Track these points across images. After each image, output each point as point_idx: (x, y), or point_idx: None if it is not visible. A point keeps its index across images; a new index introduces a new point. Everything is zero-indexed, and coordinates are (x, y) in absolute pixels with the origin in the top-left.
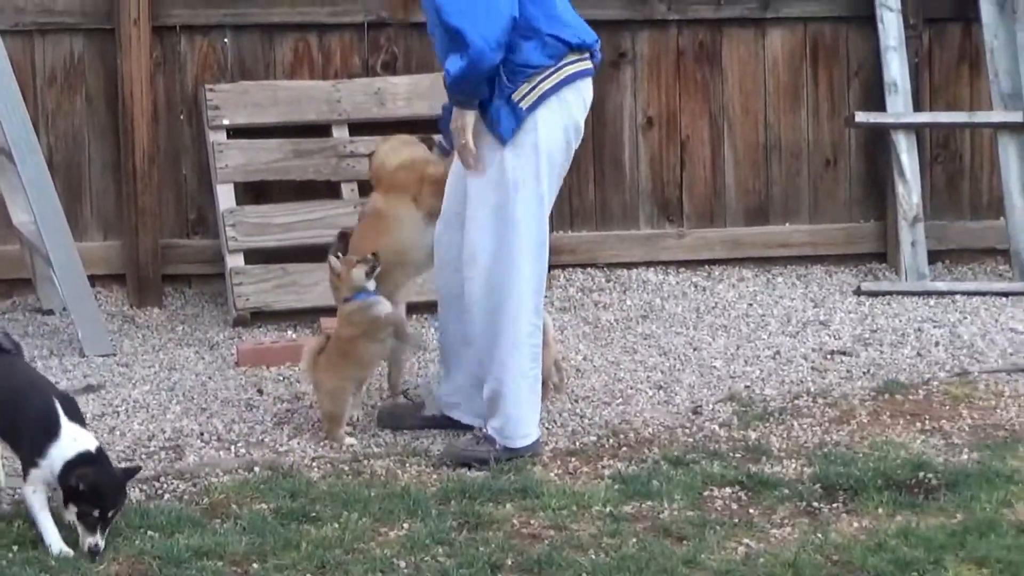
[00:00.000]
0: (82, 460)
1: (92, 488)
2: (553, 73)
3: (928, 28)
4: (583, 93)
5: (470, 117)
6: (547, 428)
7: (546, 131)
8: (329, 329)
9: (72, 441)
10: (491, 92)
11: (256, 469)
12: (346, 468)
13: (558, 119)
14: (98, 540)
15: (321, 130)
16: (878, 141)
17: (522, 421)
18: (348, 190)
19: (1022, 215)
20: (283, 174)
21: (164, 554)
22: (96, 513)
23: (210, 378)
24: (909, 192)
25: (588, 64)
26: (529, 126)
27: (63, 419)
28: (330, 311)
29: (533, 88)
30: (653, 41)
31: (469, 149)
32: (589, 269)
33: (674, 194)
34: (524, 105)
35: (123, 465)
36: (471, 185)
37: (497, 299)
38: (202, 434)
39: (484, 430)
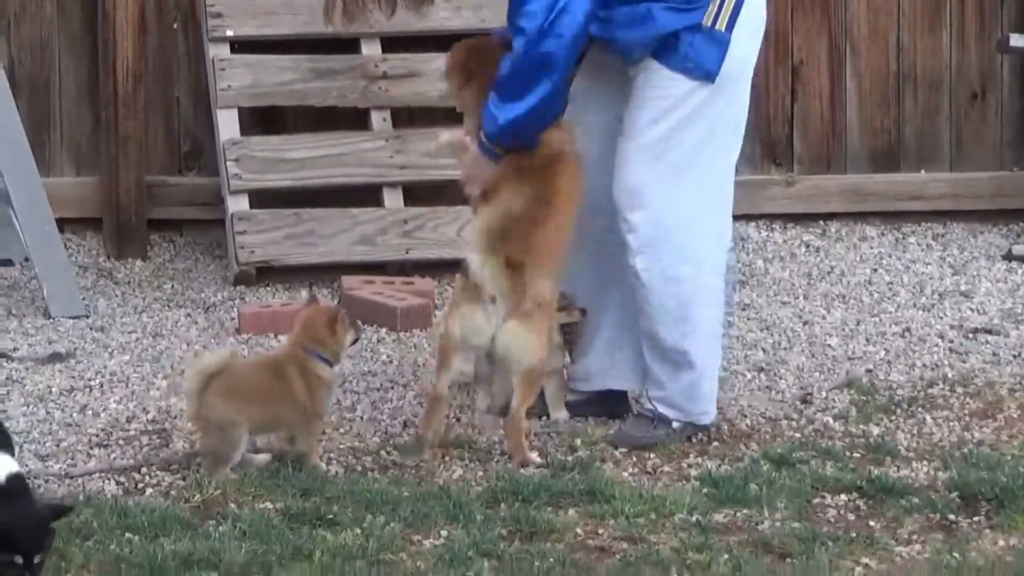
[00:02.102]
0: None
1: (8, 530)
2: None
3: None
4: None
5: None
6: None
7: (745, 52)
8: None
9: None
10: (654, 22)
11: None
12: (371, 462)
13: (755, 30)
14: None
15: (347, 45)
16: None
17: (711, 395)
18: (379, 119)
19: None
20: (299, 98)
21: (145, 562)
22: (20, 561)
23: (205, 347)
24: None
25: None
26: (732, 52)
27: None
28: (352, 267)
29: (722, 3)
30: None
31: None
32: None
33: (783, 132)
34: (721, 27)
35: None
36: (640, 133)
37: (691, 265)
38: None
39: (653, 407)
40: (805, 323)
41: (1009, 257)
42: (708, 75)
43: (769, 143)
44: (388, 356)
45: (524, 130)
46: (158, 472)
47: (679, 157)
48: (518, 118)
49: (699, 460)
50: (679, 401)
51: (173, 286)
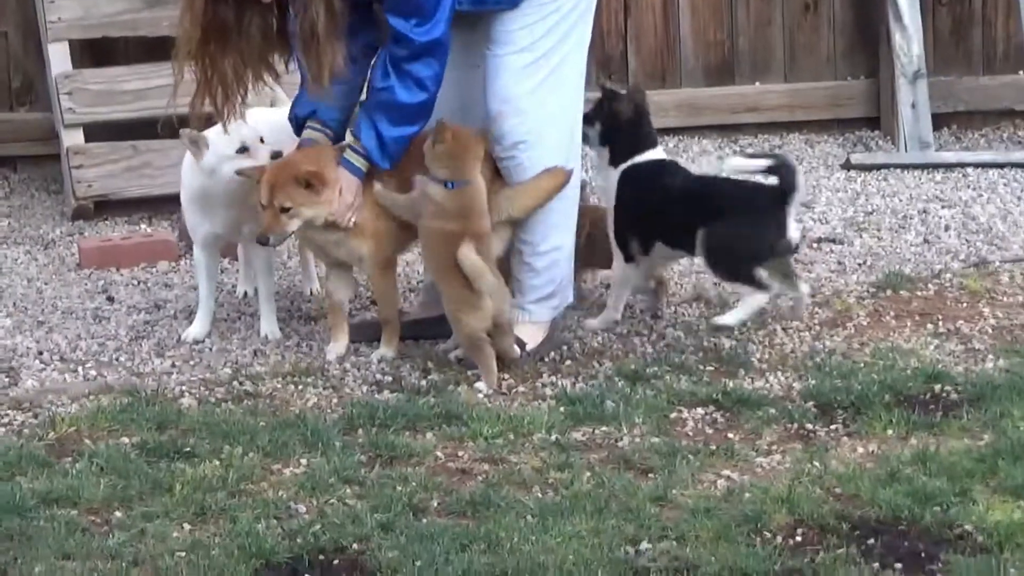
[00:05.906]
0: None
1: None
2: None
3: None
4: None
5: None
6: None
7: None
8: None
9: None
10: None
11: (112, 395)
12: (223, 392)
13: None
14: None
15: None
16: None
17: (568, 281)
18: None
19: None
20: (131, 29)
21: (4, 501)
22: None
23: (46, 284)
24: (908, 42)
25: None
26: None
27: None
28: None
29: None
30: None
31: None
32: None
33: (616, 48)
34: None
35: None
36: (516, 43)
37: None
38: (41, 353)
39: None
40: None
41: (848, 166)
42: None
43: (603, 59)
44: (233, 286)
45: (405, 146)
46: (8, 411)
47: (552, 67)
48: (404, 137)
49: (553, 379)
50: (544, 309)
51: (10, 223)
